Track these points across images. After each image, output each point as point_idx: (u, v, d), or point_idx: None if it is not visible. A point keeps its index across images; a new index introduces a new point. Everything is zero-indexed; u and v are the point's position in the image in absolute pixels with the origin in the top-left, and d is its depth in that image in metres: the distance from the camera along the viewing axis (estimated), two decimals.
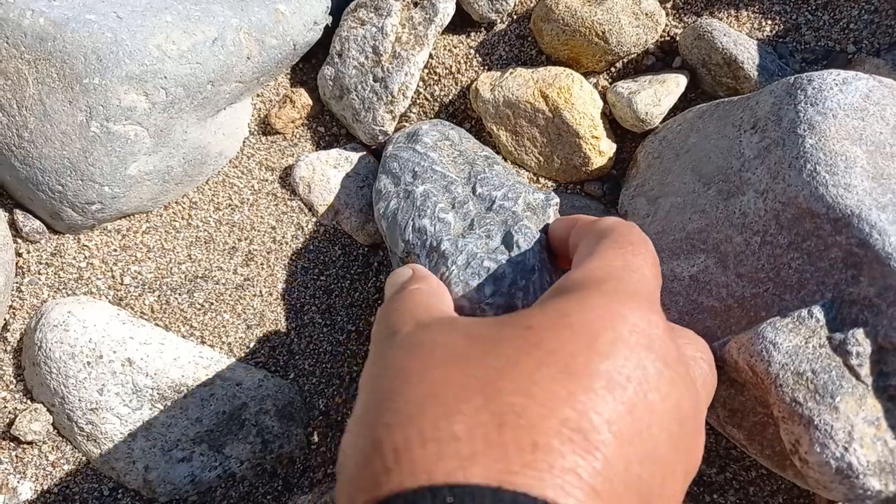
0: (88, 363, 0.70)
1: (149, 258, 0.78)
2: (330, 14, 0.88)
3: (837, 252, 0.57)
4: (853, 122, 0.61)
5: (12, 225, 0.76)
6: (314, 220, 0.84)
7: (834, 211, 0.57)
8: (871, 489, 0.51)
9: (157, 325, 0.76)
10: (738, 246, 0.64)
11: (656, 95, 0.80)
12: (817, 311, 0.56)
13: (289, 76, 0.90)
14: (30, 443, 0.72)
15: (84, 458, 0.72)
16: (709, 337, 0.63)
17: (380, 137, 0.86)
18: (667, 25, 0.85)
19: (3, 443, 0.72)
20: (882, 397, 0.51)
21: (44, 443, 0.72)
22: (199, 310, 0.77)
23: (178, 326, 0.76)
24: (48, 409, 0.72)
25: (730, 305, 0.63)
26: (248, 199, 0.83)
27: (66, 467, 0.72)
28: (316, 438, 0.78)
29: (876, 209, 0.56)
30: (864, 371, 0.52)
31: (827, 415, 0.51)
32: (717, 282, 0.65)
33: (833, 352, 0.53)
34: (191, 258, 0.79)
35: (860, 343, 0.53)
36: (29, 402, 0.72)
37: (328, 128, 0.89)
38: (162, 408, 0.72)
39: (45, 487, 0.71)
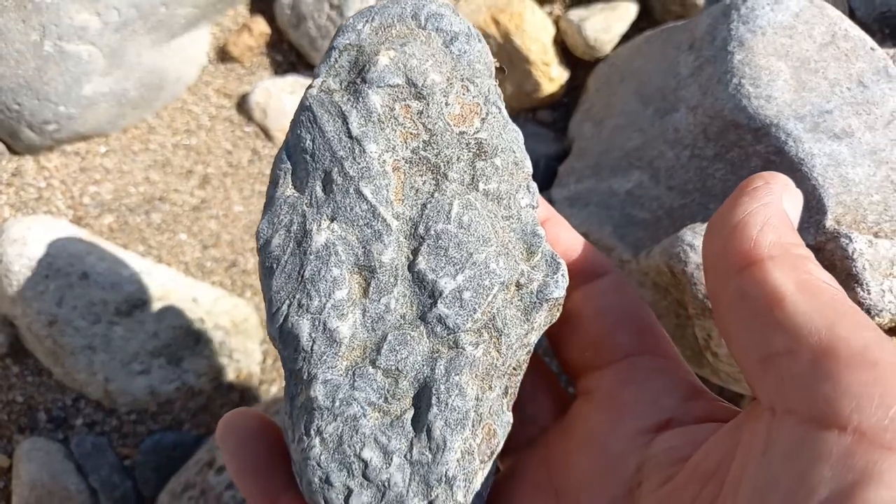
0: (46, 276, 0.72)
1: (107, 180, 0.80)
2: None
3: (757, 161, 0.59)
4: (781, 40, 0.63)
5: None
6: (269, 144, 0.85)
7: (755, 121, 0.59)
8: None
9: (115, 243, 0.78)
10: (670, 160, 0.66)
11: (606, 21, 0.81)
12: None
13: (248, 4, 0.91)
14: None
15: (47, 370, 0.75)
16: (639, 248, 0.65)
17: None
18: None
19: None
20: None
21: (7, 355, 0.75)
22: (157, 230, 0.80)
23: (136, 245, 0.79)
24: (11, 322, 0.75)
25: (659, 217, 0.66)
26: (205, 125, 0.85)
27: (29, 378, 0.75)
28: (271, 355, 0.81)
29: (794, 119, 0.58)
30: None
31: None
32: (649, 195, 0.67)
33: None
34: (148, 180, 0.81)
35: None
36: None
37: (286, 56, 0.91)
38: (120, 322, 0.74)
39: (11, 398, 0.74)
